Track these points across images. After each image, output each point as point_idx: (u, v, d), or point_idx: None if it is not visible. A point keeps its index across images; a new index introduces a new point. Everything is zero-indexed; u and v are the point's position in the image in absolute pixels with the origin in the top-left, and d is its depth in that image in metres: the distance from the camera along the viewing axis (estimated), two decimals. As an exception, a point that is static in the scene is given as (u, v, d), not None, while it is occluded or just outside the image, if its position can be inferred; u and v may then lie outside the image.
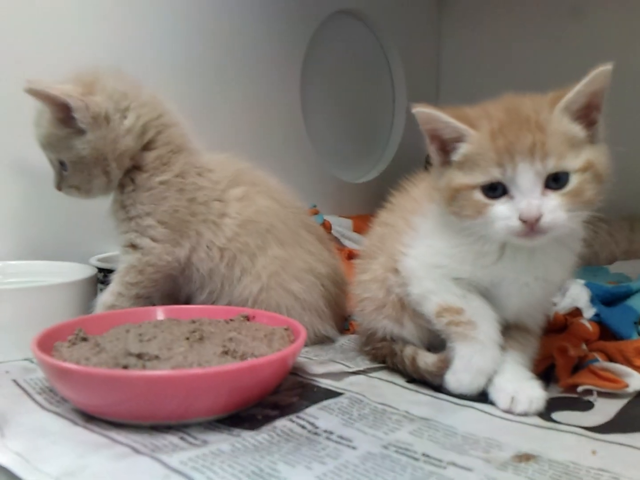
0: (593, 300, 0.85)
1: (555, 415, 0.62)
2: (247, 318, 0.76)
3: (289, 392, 0.66)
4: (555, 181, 0.58)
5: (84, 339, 0.67)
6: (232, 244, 0.83)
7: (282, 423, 0.58)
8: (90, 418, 0.58)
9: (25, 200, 1.04)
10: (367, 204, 1.71)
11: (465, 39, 1.91)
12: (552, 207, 0.58)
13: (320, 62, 1.59)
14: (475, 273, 0.66)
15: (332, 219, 1.43)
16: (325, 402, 0.64)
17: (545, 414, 0.62)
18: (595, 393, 0.66)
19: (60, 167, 0.84)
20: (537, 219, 0.57)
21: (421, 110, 0.62)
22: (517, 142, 0.58)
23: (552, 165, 0.58)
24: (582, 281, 0.90)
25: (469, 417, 0.61)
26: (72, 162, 0.82)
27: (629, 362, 0.72)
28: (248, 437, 0.55)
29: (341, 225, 1.45)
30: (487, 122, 0.60)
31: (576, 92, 0.59)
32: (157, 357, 0.59)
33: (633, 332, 0.80)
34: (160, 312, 0.77)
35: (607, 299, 0.88)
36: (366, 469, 0.49)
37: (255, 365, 0.58)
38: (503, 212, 0.59)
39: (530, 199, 0.58)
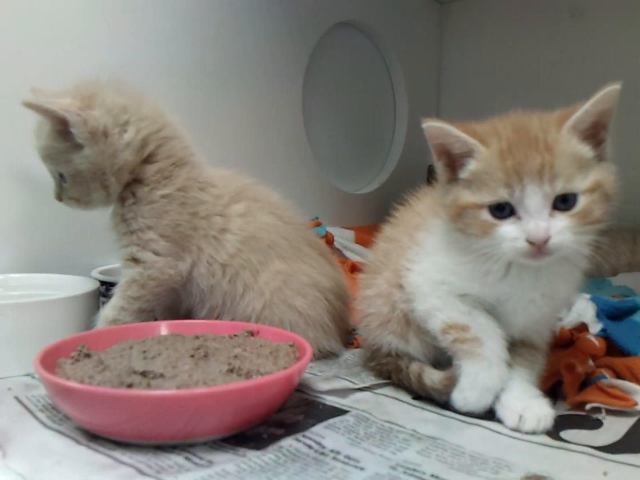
0: (599, 315, 0.85)
1: (564, 434, 0.61)
2: (252, 333, 0.75)
3: (294, 410, 0.65)
4: (563, 202, 0.58)
5: (87, 355, 0.66)
6: (235, 260, 0.83)
7: (288, 442, 0.57)
8: (93, 437, 0.57)
9: (26, 212, 1.03)
10: (369, 215, 1.71)
11: (466, 49, 1.92)
12: (560, 229, 0.58)
13: (322, 73, 1.59)
14: (481, 290, 0.65)
15: (334, 230, 1.42)
16: (331, 420, 0.63)
17: (553, 432, 0.61)
18: (604, 411, 0.65)
19: (60, 179, 0.83)
20: (545, 241, 0.57)
21: (432, 124, 0.61)
22: (526, 163, 0.57)
23: (560, 187, 0.57)
24: (588, 296, 0.89)
25: (477, 436, 0.61)
26: (70, 176, 0.81)
27: (636, 379, 0.71)
28: (254, 457, 0.54)
29: (343, 237, 1.45)
30: (496, 141, 0.60)
31: (584, 111, 0.59)
32: (161, 376, 0.59)
33: (640, 347, 0.79)
34: (163, 327, 0.76)
35: (613, 314, 0.88)
36: (375, 491, 0.49)
37: (261, 384, 0.57)
38: (510, 233, 0.59)
39: (538, 220, 0.57)
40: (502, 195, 0.58)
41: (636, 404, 0.66)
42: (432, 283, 0.68)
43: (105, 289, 0.96)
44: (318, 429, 0.61)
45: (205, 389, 0.55)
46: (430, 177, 1.67)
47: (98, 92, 0.80)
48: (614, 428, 0.62)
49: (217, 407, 0.55)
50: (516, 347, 0.69)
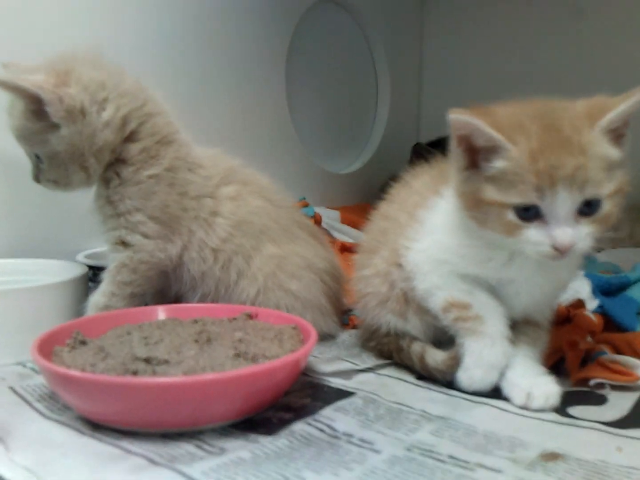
0: (594, 292, 0.85)
1: (571, 410, 0.61)
2: (250, 316, 0.73)
3: (300, 393, 0.64)
4: (587, 206, 0.56)
5: (83, 342, 0.64)
6: (227, 245, 0.81)
7: (299, 427, 0.56)
8: (96, 426, 0.55)
9: (3, 194, 0.99)
10: (353, 194, 1.71)
11: (447, 30, 1.91)
12: (584, 236, 0.57)
13: (305, 52, 1.56)
14: (484, 273, 0.65)
15: (320, 210, 1.41)
16: (339, 403, 0.62)
17: (561, 409, 0.61)
18: (607, 386, 0.66)
19: (37, 160, 0.79)
20: (570, 247, 0.56)
21: (459, 117, 0.58)
22: (560, 166, 0.55)
23: (590, 192, 0.56)
24: (582, 272, 0.90)
25: (486, 415, 0.60)
26: (47, 157, 0.77)
27: (637, 354, 0.72)
28: (267, 442, 0.53)
29: (329, 217, 1.43)
30: (525, 139, 0.56)
31: (620, 112, 0.57)
32: (166, 362, 0.57)
33: (636, 323, 0.80)
34: (160, 312, 0.74)
35: (606, 290, 0.89)
36: (395, 473, 0.48)
37: (271, 368, 0.55)
38: (536, 237, 0.57)
39: (566, 227, 0.56)
40: (532, 198, 0.56)
41: (639, 378, 0.66)
42: (433, 261, 0.68)
43: (93, 273, 0.93)
44: (327, 412, 0.60)
45: (216, 375, 0.53)
46: (415, 156, 1.66)
47: (74, 68, 0.76)
48: (619, 403, 0.63)
49: (227, 393, 0.53)
50: (519, 325, 0.69)
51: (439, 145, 1.63)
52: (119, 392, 0.52)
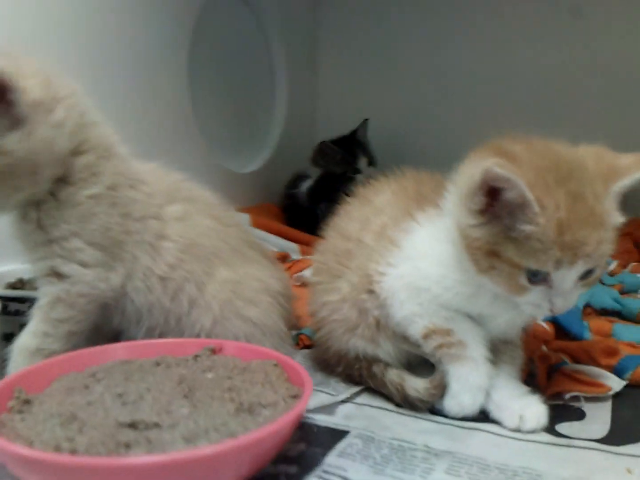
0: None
1: (560, 429, 0.62)
2: (214, 351, 0.66)
3: (291, 438, 0.59)
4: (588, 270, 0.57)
5: (27, 402, 0.54)
6: (176, 272, 0.72)
7: (313, 484, 0.51)
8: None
9: None
10: (254, 194, 1.65)
11: (341, 27, 1.89)
12: (577, 298, 0.59)
13: (207, 46, 1.47)
14: (467, 308, 0.64)
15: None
16: (339, 446, 0.58)
17: (550, 428, 0.62)
18: (582, 399, 0.67)
19: None
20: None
21: (500, 172, 0.53)
22: (585, 242, 0.54)
23: (597, 261, 0.56)
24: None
25: (486, 443, 0.59)
26: None
27: (595, 362, 0.75)
28: (286, 507, 0.48)
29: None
30: (553, 206, 0.54)
31: (635, 179, 0.57)
32: (157, 425, 0.49)
33: (584, 330, 0.83)
34: (118, 352, 0.65)
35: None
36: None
37: (281, 426, 0.49)
38: (538, 301, 0.58)
39: (567, 294, 0.57)
40: (549, 267, 0.55)
41: (610, 389, 0.69)
42: (413, 289, 0.65)
43: (2, 305, 0.79)
44: (332, 459, 0.55)
45: (231, 443, 0.46)
46: (319, 155, 1.63)
47: (20, 61, 0.63)
48: (597, 416, 0.65)
49: (236, 459, 0.47)
50: (497, 344, 0.68)
51: (343, 143, 1.62)
52: (115, 475, 0.43)
